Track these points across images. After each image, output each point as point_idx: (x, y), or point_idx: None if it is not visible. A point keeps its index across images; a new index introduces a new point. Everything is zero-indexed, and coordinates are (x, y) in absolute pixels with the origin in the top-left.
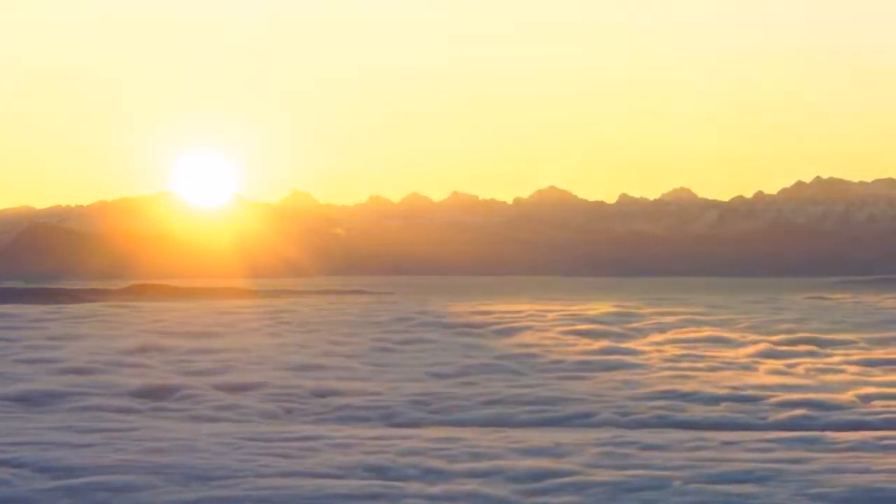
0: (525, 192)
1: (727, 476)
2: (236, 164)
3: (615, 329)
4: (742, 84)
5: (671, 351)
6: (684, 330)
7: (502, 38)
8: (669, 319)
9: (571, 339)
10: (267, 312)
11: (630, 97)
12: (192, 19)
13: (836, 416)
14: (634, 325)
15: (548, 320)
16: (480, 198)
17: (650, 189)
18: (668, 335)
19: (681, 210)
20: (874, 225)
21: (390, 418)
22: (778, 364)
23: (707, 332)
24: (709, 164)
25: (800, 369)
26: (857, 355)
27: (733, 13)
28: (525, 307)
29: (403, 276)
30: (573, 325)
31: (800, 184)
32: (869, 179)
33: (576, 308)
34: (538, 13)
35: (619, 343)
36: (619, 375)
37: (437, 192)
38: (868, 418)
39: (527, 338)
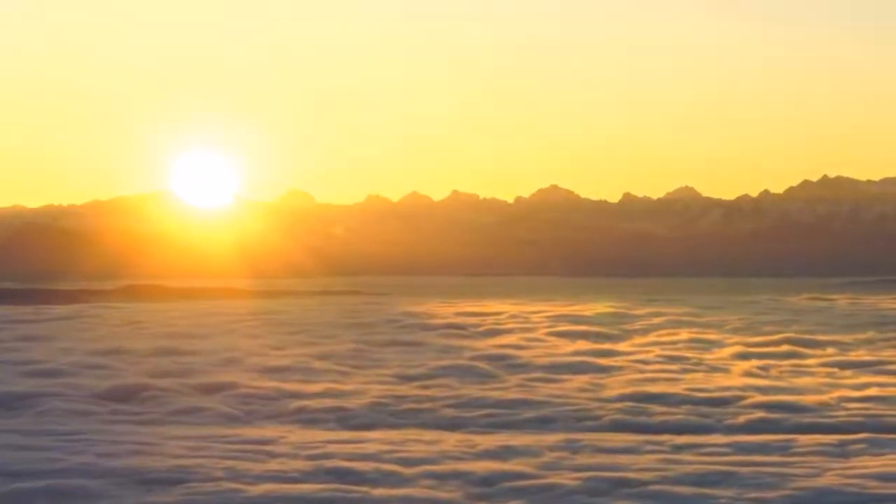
0: (526, 192)
1: (671, 479)
2: (232, 162)
3: (602, 330)
4: (747, 82)
5: (650, 352)
6: (669, 331)
7: (504, 36)
8: (658, 320)
9: (553, 340)
10: (253, 313)
11: (633, 95)
12: (188, 17)
13: (799, 419)
14: (622, 326)
15: (536, 321)
16: (481, 197)
17: (654, 188)
18: (652, 337)
19: (685, 209)
20: (882, 224)
21: (347, 420)
22: (753, 365)
23: (692, 333)
24: (713, 162)
25: (774, 371)
26: (835, 357)
27: (736, 11)
28: (516, 308)
29: (403, 276)
30: (560, 326)
31: (806, 182)
32: (877, 178)
33: (568, 309)
34: (539, 11)
35: (599, 344)
36: (590, 378)
37: (437, 191)
38: (830, 421)
39: (509, 339)
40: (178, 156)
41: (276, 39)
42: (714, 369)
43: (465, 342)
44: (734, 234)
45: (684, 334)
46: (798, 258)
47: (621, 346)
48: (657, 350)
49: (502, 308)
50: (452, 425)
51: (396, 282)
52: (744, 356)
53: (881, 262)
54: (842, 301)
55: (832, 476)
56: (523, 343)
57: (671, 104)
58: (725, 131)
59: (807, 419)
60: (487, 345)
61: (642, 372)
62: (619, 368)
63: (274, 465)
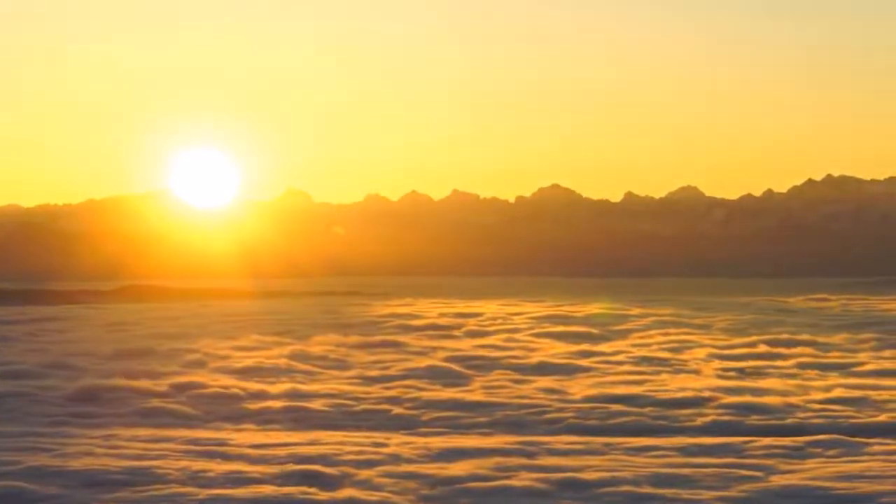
0: (527, 191)
1: (618, 481)
2: (229, 161)
3: (586, 331)
4: (750, 79)
5: (628, 354)
6: (654, 332)
7: (504, 34)
8: (646, 321)
9: (535, 341)
10: (238, 314)
11: (634, 93)
12: (185, 15)
13: (759, 421)
14: (609, 327)
15: (522, 322)
16: (481, 196)
17: (656, 187)
18: (634, 338)
19: (688, 209)
20: (887, 224)
21: (305, 421)
22: (726, 367)
23: (676, 334)
24: (716, 161)
25: (746, 373)
26: (810, 359)
27: (739, 8)
28: (507, 308)
29: (403, 276)
30: (546, 326)
31: (810, 182)
32: (882, 177)
33: (559, 309)
34: (540, 10)
35: (579, 346)
36: (559, 379)
37: (437, 191)
38: (790, 423)
39: (489, 340)
40: (174, 155)
41: (273, 37)
42: (686, 371)
43: (443, 343)
44: (737, 234)
45: (668, 335)
46: (802, 258)
47: (601, 347)
48: (635, 351)
49: (492, 308)
50: (409, 427)
51: (396, 282)
52: (719, 357)
53: (886, 262)
54: (839, 302)
55: (779, 478)
56: (502, 344)
57: (673, 102)
58: (728, 130)
59: (767, 421)
60: (465, 345)
61: (613, 374)
62: (592, 370)
63: (228, 467)
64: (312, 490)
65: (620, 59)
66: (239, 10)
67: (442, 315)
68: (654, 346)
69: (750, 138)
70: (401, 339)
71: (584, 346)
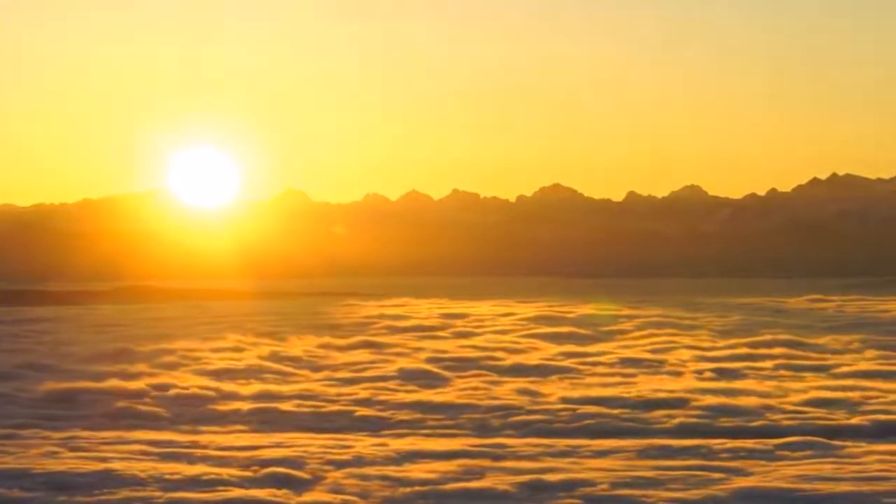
0: (528, 190)
1: (575, 483)
2: (226, 161)
3: (576, 332)
4: (754, 78)
5: (613, 355)
6: (643, 332)
7: (505, 33)
8: (638, 322)
9: (522, 342)
10: (227, 315)
11: (638, 91)
12: (183, 14)
13: (732, 423)
14: (600, 327)
15: (513, 323)
16: (482, 196)
17: (659, 187)
18: (622, 339)
19: (691, 208)
20: (893, 223)
21: (275, 423)
22: (707, 368)
23: (664, 335)
24: (720, 160)
25: (726, 374)
26: (793, 361)
27: (741, 4)
28: (500, 308)
29: (403, 276)
30: (536, 328)
31: (815, 181)
32: (888, 176)
33: (553, 310)
34: (542, 8)
35: (563, 346)
36: (538, 380)
37: (437, 190)
38: (763, 425)
39: (475, 341)
40: (170, 154)
41: (272, 37)
42: (665, 372)
43: (427, 343)
44: (741, 234)
45: (655, 336)
46: (807, 258)
47: (586, 349)
48: (620, 353)
49: (484, 309)
50: (377, 429)
51: (395, 282)
52: (702, 359)
53: (892, 262)
54: (835, 303)
55: (742, 480)
56: (486, 345)
57: (676, 101)
58: (732, 128)
59: (739, 423)
60: (449, 346)
61: (591, 375)
62: (571, 371)
63: (195, 469)
64: (282, 493)
65: (622, 58)
66: (238, 11)
67: (431, 316)
68: (639, 348)
69: (754, 137)
70: (385, 339)
71: (569, 348)
